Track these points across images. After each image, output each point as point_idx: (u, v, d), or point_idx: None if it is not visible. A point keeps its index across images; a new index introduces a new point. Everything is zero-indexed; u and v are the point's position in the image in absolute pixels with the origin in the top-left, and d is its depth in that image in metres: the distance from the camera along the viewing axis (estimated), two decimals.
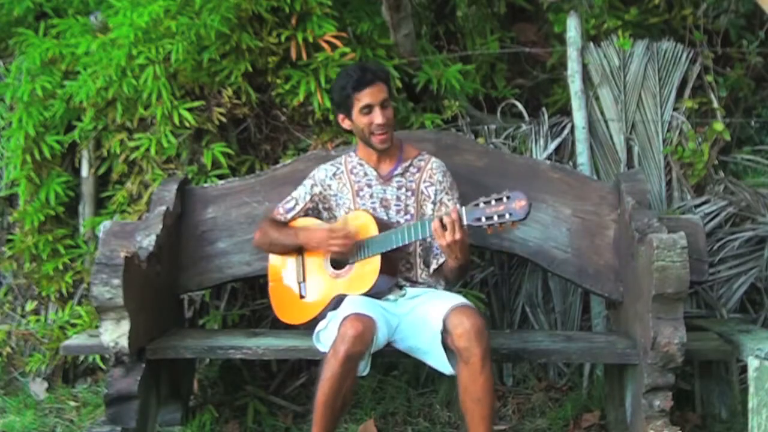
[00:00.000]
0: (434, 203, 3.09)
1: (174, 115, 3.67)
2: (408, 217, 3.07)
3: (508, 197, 2.71)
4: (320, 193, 3.17)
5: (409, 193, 3.10)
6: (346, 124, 3.10)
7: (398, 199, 3.09)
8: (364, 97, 2.98)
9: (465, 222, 2.78)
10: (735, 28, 4.12)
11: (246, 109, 3.79)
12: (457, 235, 2.77)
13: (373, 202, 3.09)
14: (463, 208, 2.79)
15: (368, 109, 2.99)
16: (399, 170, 3.12)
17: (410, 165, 3.13)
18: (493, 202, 2.73)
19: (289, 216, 3.17)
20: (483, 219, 2.74)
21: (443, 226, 2.77)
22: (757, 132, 4.07)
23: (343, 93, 3.03)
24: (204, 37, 3.61)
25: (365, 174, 3.13)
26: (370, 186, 3.11)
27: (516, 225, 2.77)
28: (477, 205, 2.76)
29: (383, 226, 2.99)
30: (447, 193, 3.10)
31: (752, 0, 3.84)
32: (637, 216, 3.12)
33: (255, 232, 3.24)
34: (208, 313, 3.83)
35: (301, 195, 3.19)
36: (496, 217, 2.72)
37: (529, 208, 2.69)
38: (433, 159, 3.16)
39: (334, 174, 3.17)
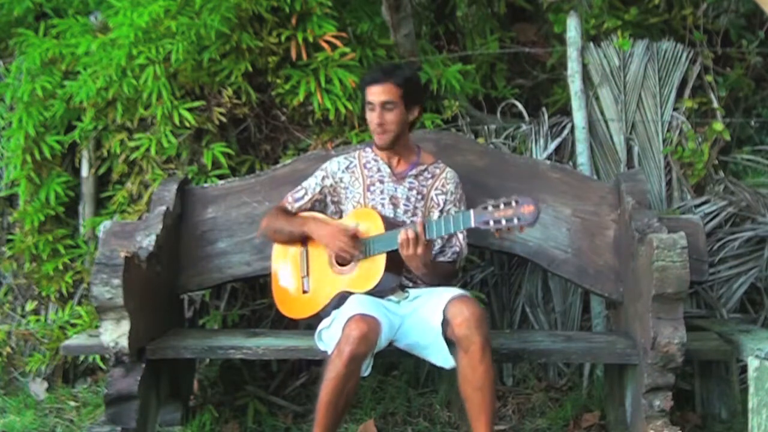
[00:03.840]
0: (442, 212, 3.10)
1: (174, 115, 3.67)
2: (415, 218, 3.07)
3: (516, 201, 2.70)
4: (331, 185, 3.18)
5: (419, 197, 3.11)
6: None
7: (408, 199, 3.10)
8: (369, 94, 3.05)
9: (426, 237, 2.81)
10: (735, 28, 4.12)
11: (246, 109, 3.79)
12: (419, 250, 2.80)
13: (382, 198, 3.09)
14: (472, 210, 2.78)
15: (370, 105, 3.05)
16: (414, 172, 3.13)
17: (425, 170, 3.14)
18: (501, 206, 2.72)
19: (297, 205, 3.18)
20: (491, 222, 2.72)
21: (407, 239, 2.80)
22: (757, 132, 4.07)
23: (360, 86, 3.16)
24: (204, 37, 3.61)
25: (378, 170, 3.14)
26: (382, 182, 3.12)
27: (524, 229, 2.76)
28: (486, 208, 2.75)
29: (389, 224, 2.99)
30: (455, 205, 3.12)
31: (752, 0, 3.83)
32: (637, 216, 3.12)
33: (262, 220, 3.22)
34: (208, 313, 3.83)
35: (311, 185, 3.20)
36: (504, 221, 2.71)
37: (538, 214, 2.68)
38: (448, 169, 3.17)
39: (347, 167, 3.18)
